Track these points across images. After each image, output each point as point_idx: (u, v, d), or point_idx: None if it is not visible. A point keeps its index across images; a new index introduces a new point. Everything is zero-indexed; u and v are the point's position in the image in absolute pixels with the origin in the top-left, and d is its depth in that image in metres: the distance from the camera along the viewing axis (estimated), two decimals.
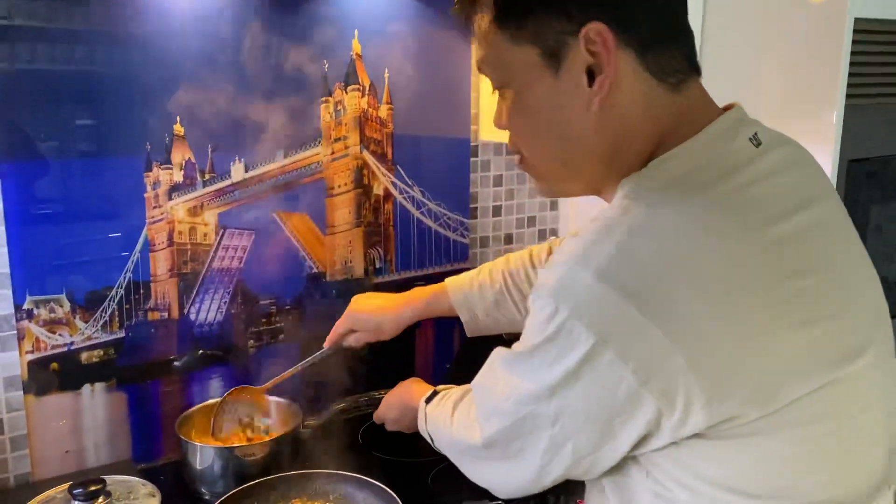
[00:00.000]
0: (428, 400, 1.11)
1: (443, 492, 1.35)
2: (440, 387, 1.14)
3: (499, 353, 0.85)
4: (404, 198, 1.66)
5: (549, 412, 0.76)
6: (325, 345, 1.34)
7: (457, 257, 1.76)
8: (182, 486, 1.34)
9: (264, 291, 1.53)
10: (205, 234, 1.45)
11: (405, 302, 1.29)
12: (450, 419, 1.00)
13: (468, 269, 1.75)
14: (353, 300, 1.34)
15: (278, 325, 1.56)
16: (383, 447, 1.50)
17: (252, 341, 1.53)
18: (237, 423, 1.40)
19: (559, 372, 0.74)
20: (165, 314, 1.43)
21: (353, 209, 1.60)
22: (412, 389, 1.24)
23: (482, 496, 1.12)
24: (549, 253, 1.23)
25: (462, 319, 1.24)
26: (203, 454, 1.31)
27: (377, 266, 1.66)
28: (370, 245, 1.64)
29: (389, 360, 1.61)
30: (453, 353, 1.78)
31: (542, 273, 0.77)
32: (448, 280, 1.28)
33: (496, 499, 1.08)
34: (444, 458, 1.47)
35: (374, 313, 1.30)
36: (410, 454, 1.51)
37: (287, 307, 1.56)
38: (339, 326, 1.33)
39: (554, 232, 1.92)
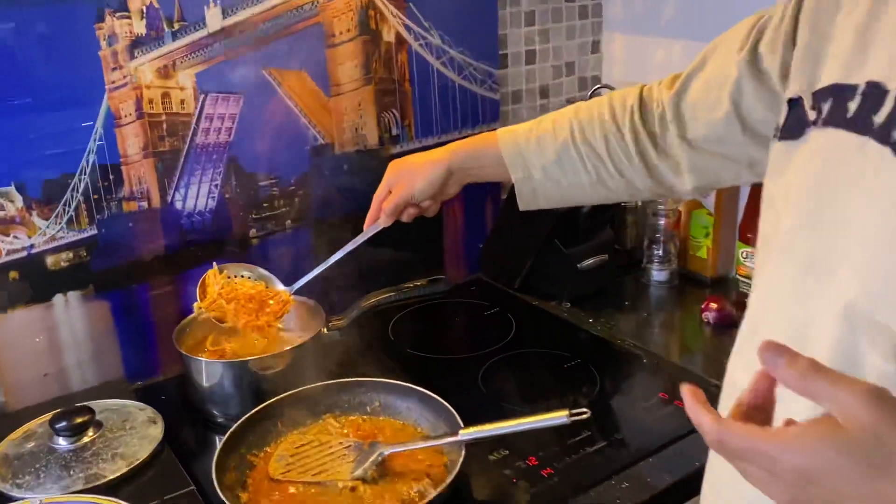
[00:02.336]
0: None
1: (497, 395, 1.14)
2: None
3: None
4: (420, 45, 1.36)
5: None
6: (367, 224, 1.06)
7: (486, 118, 1.48)
8: (188, 407, 1.12)
9: (262, 169, 1.26)
10: (182, 101, 1.16)
11: (450, 154, 1.02)
12: None
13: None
14: (392, 163, 1.06)
15: (283, 209, 1.30)
16: (418, 343, 1.29)
17: (254, 230, 1.28)
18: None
19: None
20: (145, 204, 1.17)
21: (361, 62, 1.31)
22: None
23: (535, 399, 0.90)
24: (641, 100, 0.92)
25: (513, 178, 0.97)
26: (210, 371, 1.08)
27: (393, 133, 1.38)
28: (384, 107, 1.36)
29: (416, 242, 1.36)
30: (486, 231, 1.53)
31: None
32: (499, 130, 1.00)
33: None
34: (493, 354, 1.26)
35: (424, 170, 1.02)
36: (450, 350, 1.29)
37: (291, 187, 1.30)
38: (382, 194, 1.04)
39: (596, 80, 1.63)
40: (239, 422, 0.98)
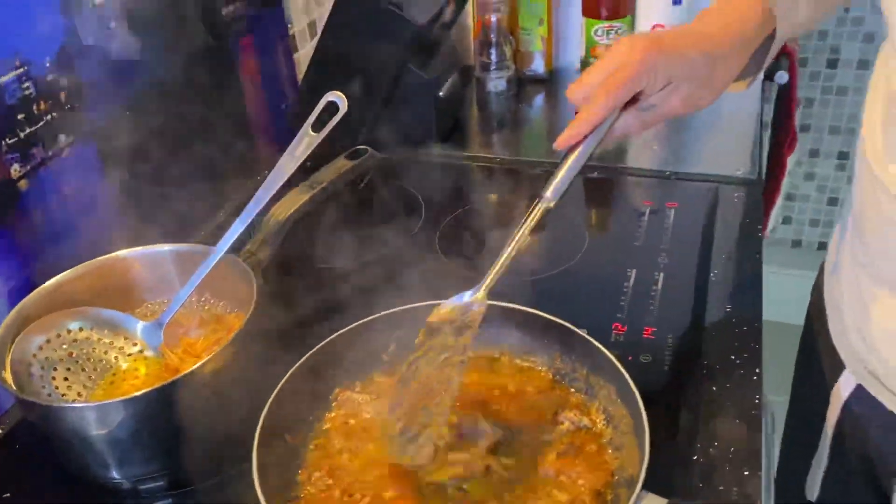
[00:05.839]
0: None
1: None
2: None
3: None
4: None
5: None
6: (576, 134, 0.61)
7: None
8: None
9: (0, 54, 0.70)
10: None
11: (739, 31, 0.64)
12: None
13: None
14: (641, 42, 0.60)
15: (48, 118, 0.75)
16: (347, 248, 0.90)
17: (16, 166, 0.73)
18: None
19: None
20: None
21: None
22: None
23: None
24: None
25: (778, 31, 0.66)
26: (111, 413, 0.61)
27: None
28: None
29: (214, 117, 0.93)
30: (285, 84, 1.13)
31: None
32: None
33: None
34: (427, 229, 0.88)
35: (692, 36, 0.62)
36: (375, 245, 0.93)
37: (49, 77, 0.75)
38: (631, 75, 0.59)
39: None
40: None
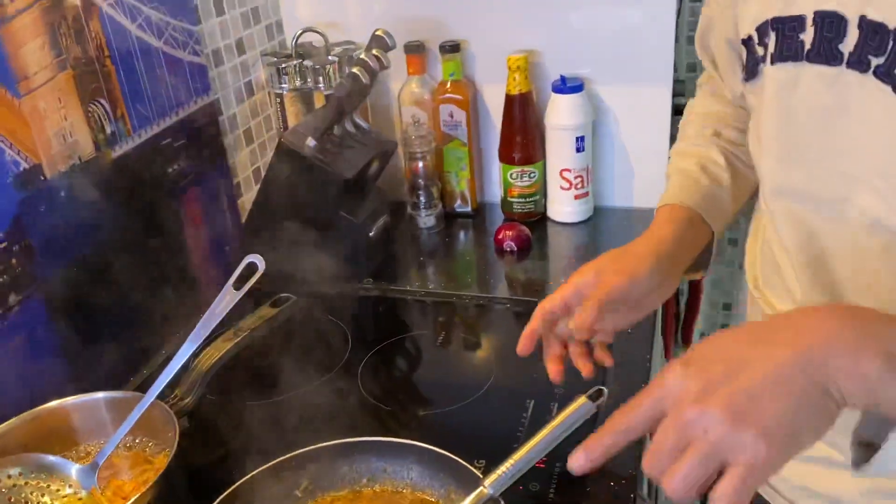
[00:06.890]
0: None
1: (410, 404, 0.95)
2: None
3: None
4: (111, 5, 0.99)
5: None
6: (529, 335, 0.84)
7: (198, 90, 1.17)
8: None
9: None
10: None
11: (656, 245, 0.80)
12: None
13: (211, 105, 1.19)
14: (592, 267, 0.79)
15: (3, 279, 0.85)
16: (265, 389, 0.99)
17: None
18: None
19: None
20: None
21: (48, 40, 0.89)
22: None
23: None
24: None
25: (715, 231, 0.82)
26: None
27: (108, 131, 1.00)
28: (89, 98, 0.96)
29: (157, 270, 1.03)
30: (229, 233, 1.24)
31: None
32: (671, 202, 0.83)
33: None
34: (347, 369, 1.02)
35: (644, 257, 0.78)
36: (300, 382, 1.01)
37: (2, 245, 0.85)
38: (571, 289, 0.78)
39: (280, 28, 1.40)
40: None
